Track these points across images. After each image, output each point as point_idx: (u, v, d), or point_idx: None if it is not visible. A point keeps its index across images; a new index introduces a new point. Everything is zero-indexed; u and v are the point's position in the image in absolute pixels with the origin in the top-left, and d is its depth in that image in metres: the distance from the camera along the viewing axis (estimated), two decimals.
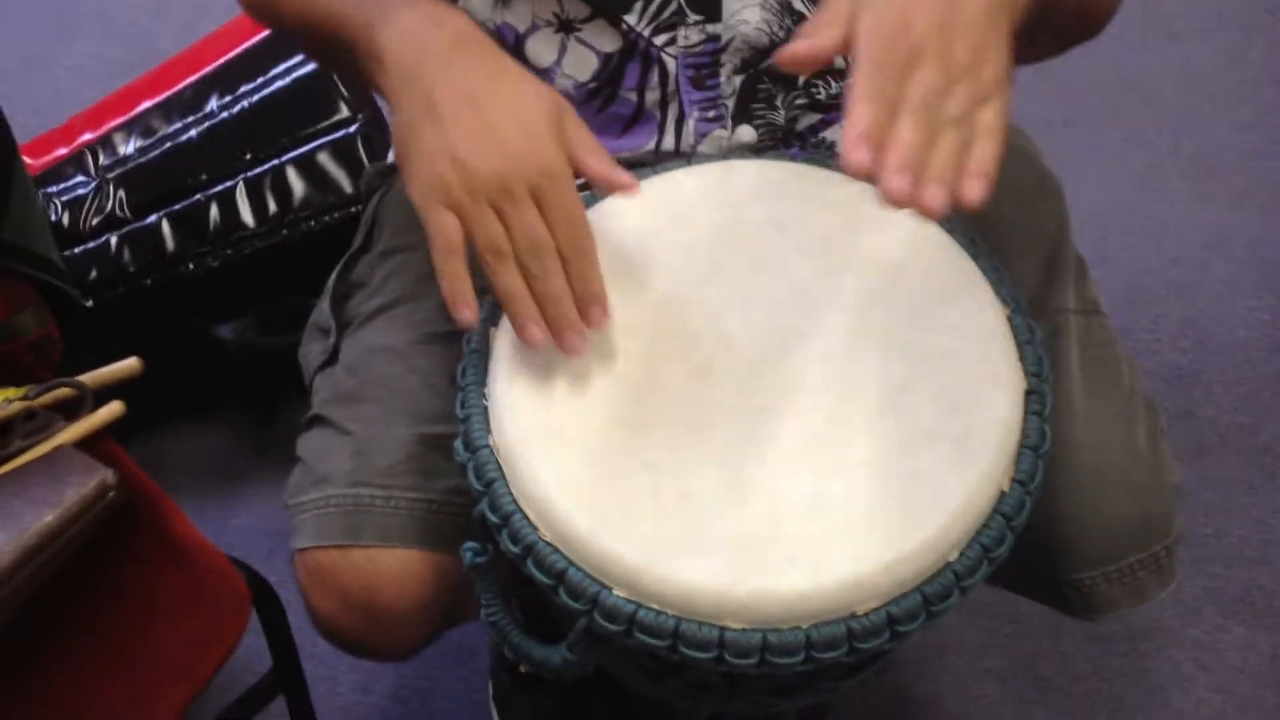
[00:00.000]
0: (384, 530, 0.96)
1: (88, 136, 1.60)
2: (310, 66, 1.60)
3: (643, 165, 1.02)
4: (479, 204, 0.82)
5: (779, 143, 1.06)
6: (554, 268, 0.83)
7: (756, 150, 1.05)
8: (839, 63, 1.03)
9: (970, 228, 0.92)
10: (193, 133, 1.58)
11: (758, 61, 1.02)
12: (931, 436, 0.83)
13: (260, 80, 1.60)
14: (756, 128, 1.05)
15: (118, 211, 1.55)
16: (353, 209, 1.54)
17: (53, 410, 1.06)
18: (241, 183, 1.56)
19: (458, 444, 0.86)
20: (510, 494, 0.82)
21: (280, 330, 1.73)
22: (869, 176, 0.70)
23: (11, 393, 1.06)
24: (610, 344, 0.88)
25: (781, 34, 1.01)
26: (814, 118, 1.06)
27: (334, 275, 1.13)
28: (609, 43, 1.02)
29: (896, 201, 0.69)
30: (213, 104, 1.59)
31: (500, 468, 0.83)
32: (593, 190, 0.96)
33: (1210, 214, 2.01)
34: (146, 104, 1.61)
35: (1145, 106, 2.18)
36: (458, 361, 0.91)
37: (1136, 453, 0.99)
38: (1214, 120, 2.15)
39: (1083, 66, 1.90)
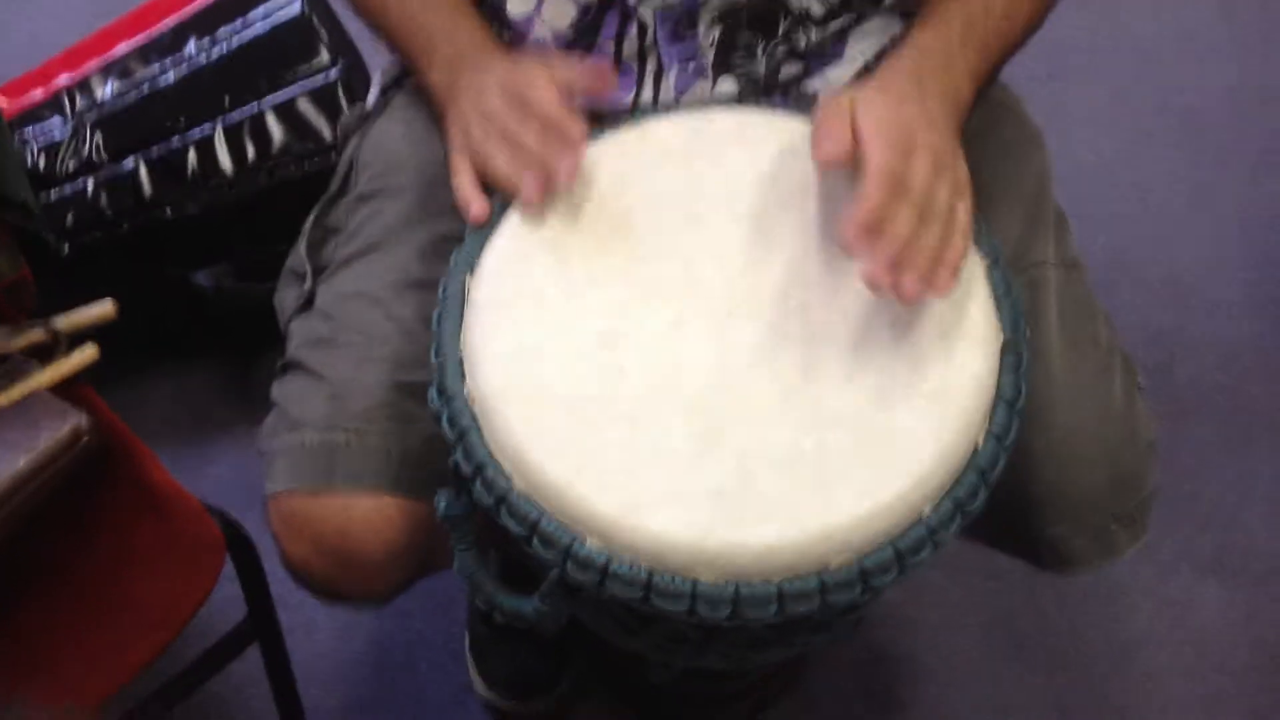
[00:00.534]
0: (357, 473, 0.96)
1: (64, 79, 1.58)
2: (291, 11, 1.58)
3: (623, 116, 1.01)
4: (486, 136, 0.95)
5: (761, 94, 1.05)
6: (529, 133, 0.92)
7: (739, 101, 1.04)
8: (816, 11, 1.02)
9: None
10: (171, 76, 1.56)
11: (736, 12, 1.02)
12: (907, 390, 0.83)
13: (240, 24, 1.58)
14: (738, 79, 1.04)
15: (94, 156, 1.53)
16: (332, 155, 1.53)
17: (26, 354, 1.05)
18: (220, 128, 1.54)
19: (432, 391, 0.86)
20: (484, 443, 0.82)
21: (258, 278, 1.71)
22: (860, 257, 0.82)
23: None
24: (588, 293, 0.88)
25: None
26: (796, 67, 1.05)
27: (310, 220, 1.12)
28: None
29: (873, 287, 0.82)
30: (191, 47, 1.57)
31: (474, 416, 0.83)
32: None
33: (1196, 172, 2.01)
34: (124, 47, 1.59)
35: (1133, 63, 2.17)
36: (434, 309, 0.90)
37: (1112, 408, 0.99)
38: (1202, 79, 2.15)
39: (1071, 23, 1.90)
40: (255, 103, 1.55)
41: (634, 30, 1.02)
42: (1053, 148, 1.11)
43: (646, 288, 0.88)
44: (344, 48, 1.58)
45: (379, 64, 1.19)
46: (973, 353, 0.84)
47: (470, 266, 0.90)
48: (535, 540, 0.79)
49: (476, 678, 1.44)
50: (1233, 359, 1.77)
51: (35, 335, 1.05)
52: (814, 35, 1.04)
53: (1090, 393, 0.99)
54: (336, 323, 1.02)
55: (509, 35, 1.06)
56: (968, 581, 1.55)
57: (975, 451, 0.82)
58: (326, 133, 1.55)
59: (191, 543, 1.07)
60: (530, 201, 0.91)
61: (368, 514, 0.96)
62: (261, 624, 1.25)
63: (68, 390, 1.03)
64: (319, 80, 1.56)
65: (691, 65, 1.03)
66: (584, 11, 1.02)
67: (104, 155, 1.53)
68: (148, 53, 1.58)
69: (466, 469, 0.82)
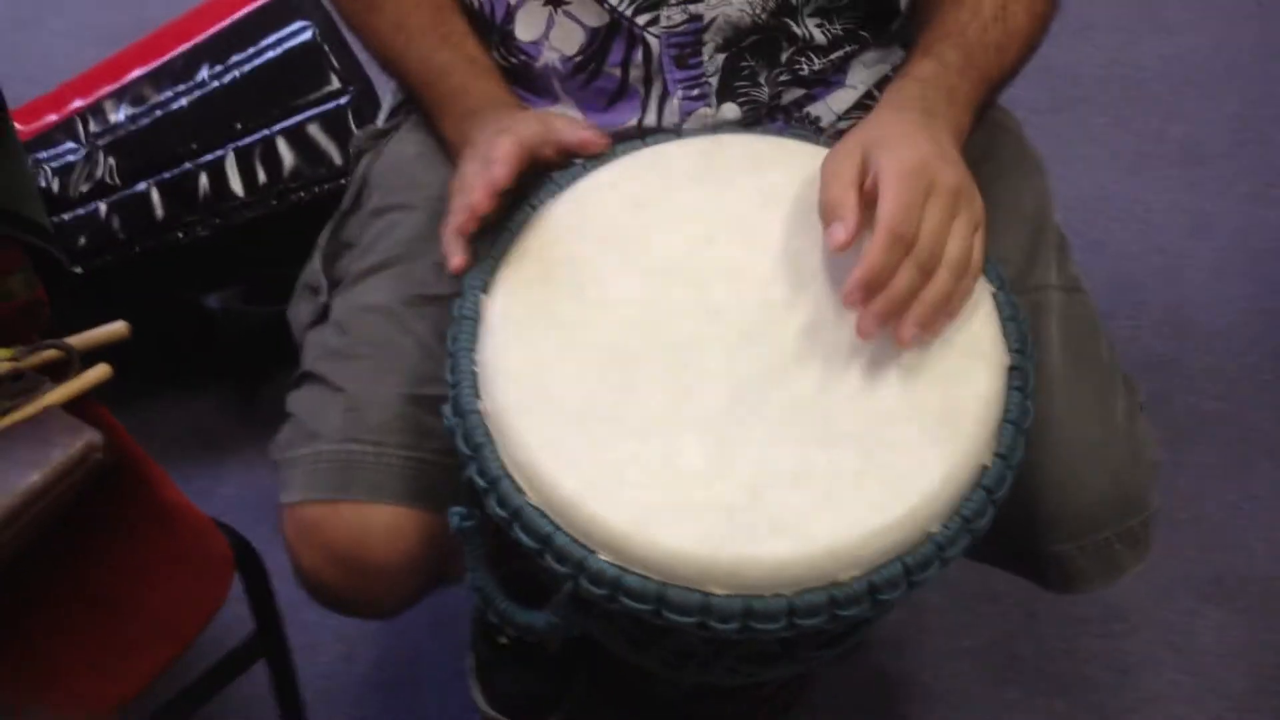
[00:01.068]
0: (374, 486, 0.97)
1: (78, 103, 1.60)
2: (302, 38, 1.60)
3: (630, 139, 1.03)
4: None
5: (764, 117, 1.07)
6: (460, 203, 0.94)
7: (743, 125, 1.06)
8: (819, 39, 1.04)
9: None
10: (183, 101, 1.58)
11: (740, 40, 1.03)
12: (916, 409, 0.84)
13: (251, 50, 1.60)
14: (741, 105, 1.05)
15: (107, 179, 1.55)
16: (342, 180, 1.54)
17: (40, 372, 1.06)
18: (231, 152, 1.56)
19: (446, 408, 0.87)
20: (498, 458, 0.83)
21: (268, 301, 1.72)
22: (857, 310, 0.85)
23: None
24: (601, 311, 0.89)
25: (764, 15, 1.02)
26: (798, 92, 1.07)
27: (324, 234, 1.13)
28: (595, 18, 1.03)
29: (863, 336, 0.86)
30: (204, 73, 1.59)
31: (489, 432, 0.84)
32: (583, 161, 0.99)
33: (1196, 201, 2.02)
34: (137, 72, 1.61)
35: (1133, 94, 2.19)
36: (449, 324, 0.91)
37: (1114, 428, 1.01)
38: (1201, 109, 2.16)
39: (1073, 54, 1.93)
40: (266, 128, 1.57)
41: (640, 55, 1.04)
42: (1054, 177, 1.12)
43: (659, 307, 0.90)
44: (354, 74, 1.59)
45: (389, 85, 1.21)
46: (981, 374, 0.86)
47: (484, 284, 0.91)
48: (548, 554, 0.80)
49: (480, 697, 1.44)
50: (1231, 387, 1.78)
51: (49, 354, 1.06)
52: (816, 63, 1.06)
53: (1093, 412, 1.00)
54: (352, 336, 1.03)
55: (519, 60, 1.07)
56: (967, 604, 1.56)
57: (983, 471, 0.83)
58: (336, 158, 1.56)
59: (201, 558, 1.08)
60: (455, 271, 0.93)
61: (383, 525, 0.97)
62: (269, 640, 1.26)
63: (81, 408, 1.03)
64: (329, 106, 1.58)
65: (696, 90, 1.05)
66: (591, 36, 1.04)
67: (116, 178, 1.55)
68: (160, 78, 1.60)
69: (481, 484, 0.83)
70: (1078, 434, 0.98)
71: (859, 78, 1.08)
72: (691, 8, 1.01)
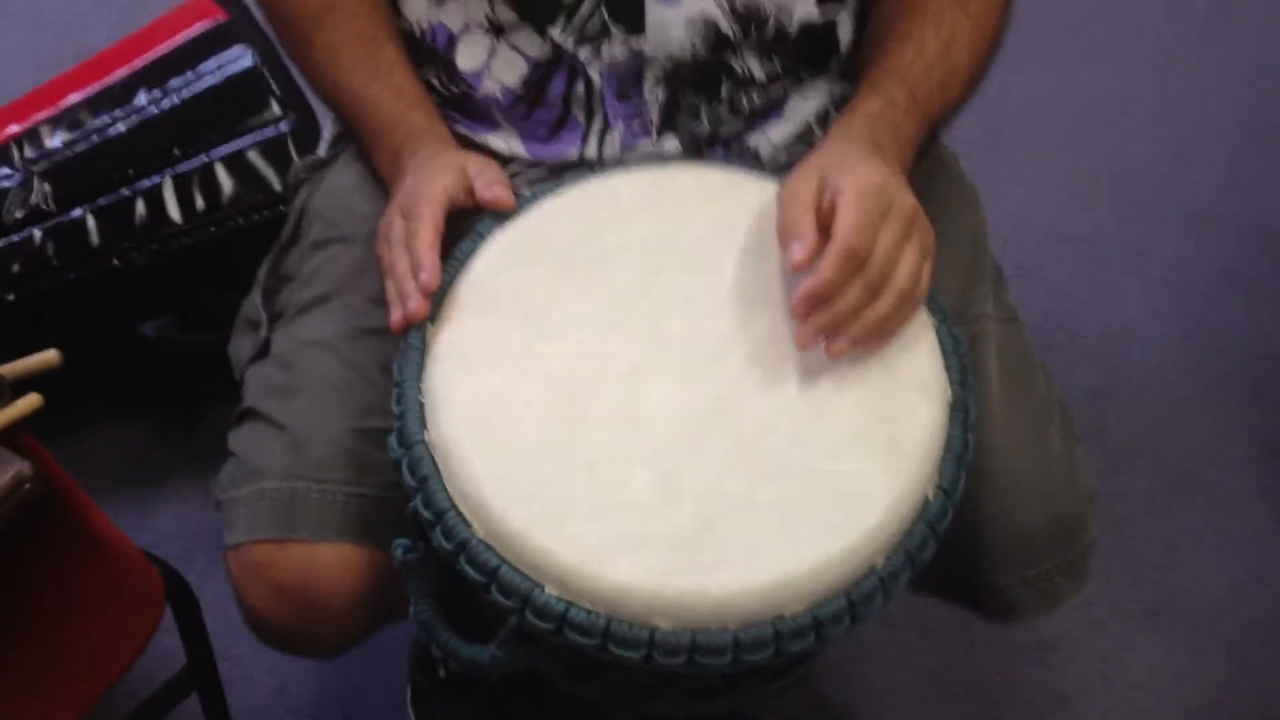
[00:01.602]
0: (320, 524, 0.96)
1: (13, 129, 1.57)
2: (242, 64, 1.58)
3: (577, 168, 1.03)
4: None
5: (704, 149, 1.07)
6: (398, 268, 0.94)
7: (684, 157, 1.06)
8: (758, 74, 1.05)
9: None
10: (121, 127, 1.56)
11: (681, 75, 1.04)
12: (861, 443, 0.84)
13: (191, 75, 1.58)
14: (681, 137, 1.06)
15: (43, 205, 1.52)
16: (282, 207, 1.53)
17: None
18: (169, 178, 1.54)
19: (392, 439, 0.86)
20: (444, 490, 0.83)
21: (204, 329, 1.71)
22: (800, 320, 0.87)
23: None
24: (550, 342, 0.89)
25: (704, 51, 1.02)
26: (738, 124, 1.07)
27: (264, 268, 1.12)
28: (537, 49, 1.03)
29: (799, 346, 0.87)
30: (142, 98, 1.57)
31: (435, 464, 0.84)
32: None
33: (1129, 234, 2.05)
34: (75, 97, 1.58)
35: (1068, 128, 2.21)
36: (392, 355, 0.91)
37: (1052, 458, 1.02)
38: (1135, 144, 2.19)
39: (1009, 86, 1.94)
40: (205, 154, 1.55)
41: (581, 88, 1.04)
42: (990, 208, 1.13)
43: (608, 338, 0.90)
44: (295, 101, 1.58)
45: (331, 114, 1.20)
46: (924, 408, 0.86)
47: (432, 315, 0.91)
48: (494, 588, 0.80)
49: None
50: (1164, 419, 1.81)
51: None
52: (756, 97, 1.06)
53: (1030, 442, 1.01)
54: (294, 370, 1.02)
55: (459, 89, 1.07)
56: (903, 635, 1.57)
57: (925, 504, 0.84)
58: (276, 184, 1.55)
59: (132, 590, 1.07)
60: (395, 330, 0.93)
61: (330, 562, 0.96)
62: (201, 673, 1.24)
63: (10, 438, 1.02)
64: (269, 132, 1.56)
65: (637, 123, 1.05)
66: (533, 68, 1.04)
67: (52, 205, 1.53)
68: (98, 103, 1.58)
69: (427, 516, 0.82)
70: (1016, 465, 0.99)
71: (797, 110, 1.09)
72: (633, 42, 1.02)
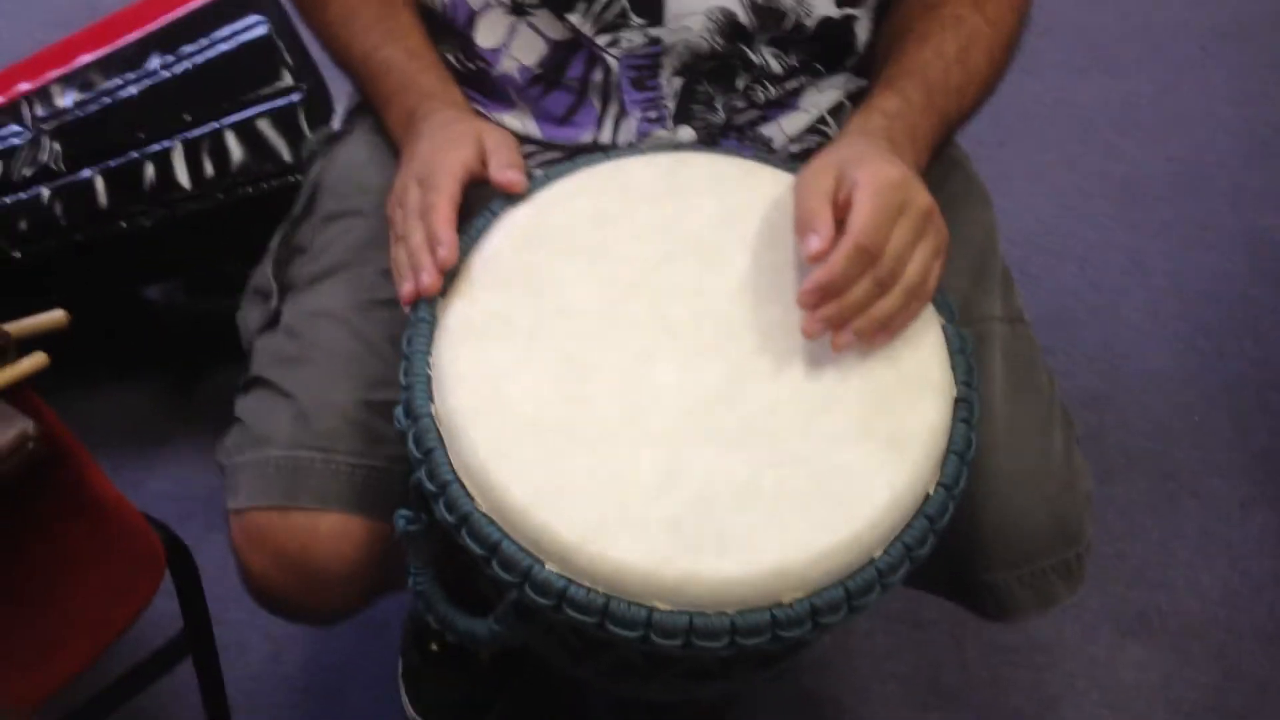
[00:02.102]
0: (323, 493, 0.96)
1: (25, 87, 1.57)
2: (256, 32, 1.59)
3: (590, 152, 1.03)
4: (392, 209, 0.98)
5: (717, 136, 1.07)
6: (413, 239, 0.93)
7: (692, 147, 1.06)
8: (775, 68, 1.05)
9: None
10: (132, 90, 1.56)
11: (698, 66, 1.04)
12: (864, 435, 0.85)
13: (204, 42, 1.58)
14: (696, 127, 1.06)
15: (52, 164, 1.52)
16: (290, 178, 1.53)
17: None
18: (179, 144, 1.54)
19: (399, 411, 0.86)
20: (449, 463, 0.83)
21: (208, 295, 1.71)
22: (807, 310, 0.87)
23: None
24: (558, 322, 0.89)
25: (722, 41, 1.02)
26: (753, 114, 1.07)
27: (276, 239, 1.12)
28: (557, 32, 1.03)
29: (806, 335, 0.87)
30: (154, 62, 1.57)
31: (440, 436, 0.84)
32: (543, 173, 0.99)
33: (1133, 241, 2.05)
34: (87, 58, 1.59)
35: (1077, 132, 2.22)
36: (401, 327, 0.91)
37: (1052, 459, 1.02)
38: (1143, 150, 2.20)
39: (1021, 90, 1.95)
40: (215, 121, 1.55)
41: (598, 74, 1.04)
42: (996, 210, 1.14)
43: (617, 320, 0.90)
44: (307, 71, 1.58)
45: (343, 88, 1.20)
46: (928, 404, 0.87)
47: (442, 289, 0.91)
48: (495, 562, 0.80)
49: (408, 705, 1.44)
50: (1161, 426, 1.81)
51: None
52: (772, 89, 1.06)
53: (1032, 442, 1.01)
54: (303, 341, 1.03)
55: (476, 65, 1.07)
56: (895, 629, 1.57)
57: (926, 499, 0.84)
58: (285, 155, 1.55)
59: (131, 553, 1.07)
60: (404, 303, 0.92)
61: (331, 531, 0.96)
62: (197, 638, 1.25)
63: (15, 396, 1.02)
64: (280, 102, 1.57)
65: (653, 112, 1.05)
66: (553, 49, 1.04)
67: (61, 164, 1.53)
68: (110, 65, 1.58)
69: (430, 488, 0.83)
70: (1017, 464, 1.00)
71: (812, 102, 1.09)
72: (652, 31, 1.02)
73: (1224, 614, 1.61)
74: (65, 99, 1.56)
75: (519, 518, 0.80)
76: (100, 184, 1.53)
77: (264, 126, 1.56)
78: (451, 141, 0.97)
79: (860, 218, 0.86)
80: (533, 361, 0.87)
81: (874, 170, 0.88)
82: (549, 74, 1.05)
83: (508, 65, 1.05)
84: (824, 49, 1.07)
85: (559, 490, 0.81)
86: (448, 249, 0.90)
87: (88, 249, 1.53)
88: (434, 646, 1.39)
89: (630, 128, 1.06)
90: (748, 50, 1.04)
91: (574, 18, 1.02)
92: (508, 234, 0.94)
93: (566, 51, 1.04)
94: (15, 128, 1.55)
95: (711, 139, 1.07)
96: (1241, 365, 1.89)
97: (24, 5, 2.32)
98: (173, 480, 1.62)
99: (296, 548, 0.97)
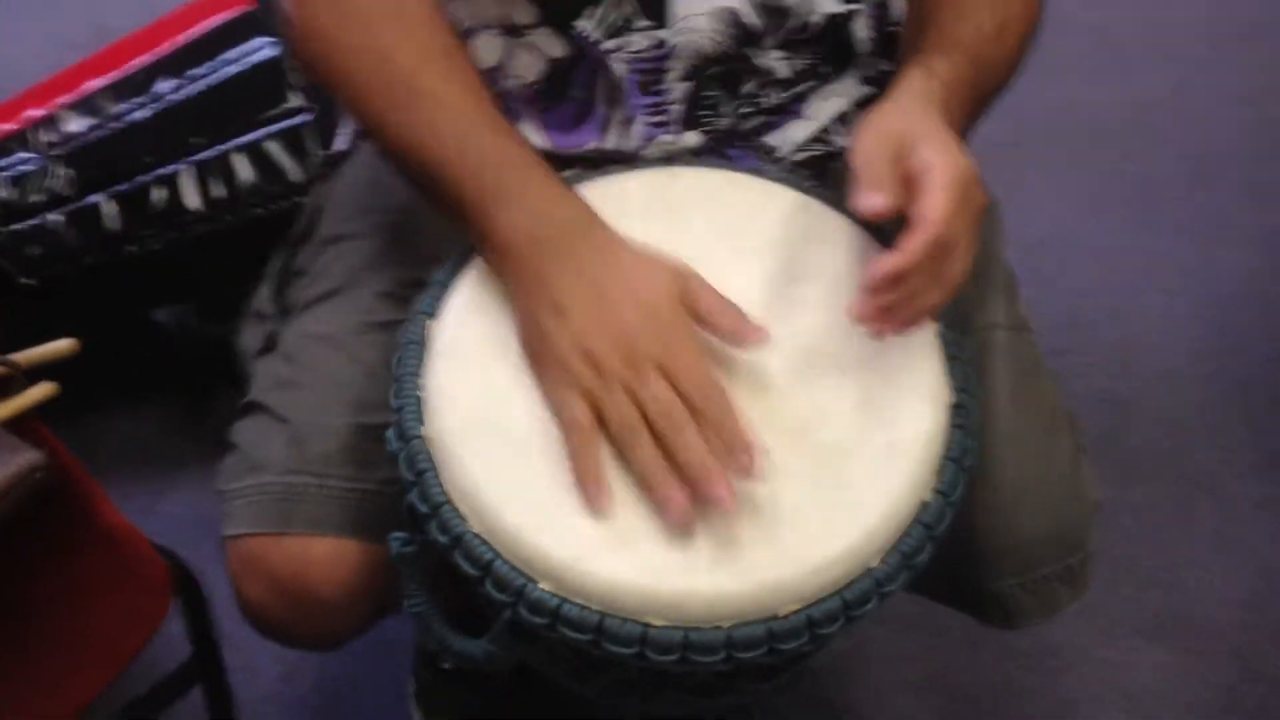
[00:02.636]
0: (317, 519, 0.96)
1: (35, 113, 1.58)
2: (263, 55, 1.59)
3: (587, 163, 1.03)
4: (610, 387, 0.83)
5: (722, 143, 1.07)
6: (690, 434, 0.82)
7: (698, 153, 1.06)
8: (782, 72, 1.05)
9: None
10: (141, 114, 1.57)
11: (704, 69, 1.04)
12: (858, 445, 0.84)
13: (212, 65, 1.59)
14: (702, 133, 1.06)
15: (62, 190, 1.53)
16: (299, 199, 1.54)
17: None
18: (189, 167, 1.55)
19: (390, 433, 0.87)
20: (440, 485, 0.83)
21: (219, 319, 1.71)
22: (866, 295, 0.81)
23: None
24: None
25: (727, 43, 1.02)
26: (758, 120, 1.07)
27: (275, 262, 1.13)
28: (557, 48, 1.03)
29: (859, 321, 0.82)
30: (163, 86, 1.58)
31: (432, 458, 0.84)
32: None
33: (1148, 242, 2.04)
34: (96, 83, 1.59)
35: (1091, 133, 2.21)
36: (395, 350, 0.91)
37: (1057, 466, 1.02)
38: (1157, 150, 2.19)
39: (1033, 91, 1.93)
40: (224, 143, 1.56)
41: (604, 80, 1.04)
42: (1010, 214, 1.13)
43: None
44: (315, 94, 1.59)
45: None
46: (924, 411, 0.86)
47: (432, 312, 0.91)
48: (488, 582, 0.80)
49: None
50: (1178, 427, 1.80)
51: None
52: (776, 96, 1.06)
53: (1036, 451, 1.01)
54: (299, 365, 1.03)
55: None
56: (910, 636, 1.56)
57: (923, 507, 0.84)
58: (294, 175, 1.56)
59: (139, 581, 1.07)
60: (678, 520, 0.80)
61: (326, 557, 0.96)
62: (206, 664, 1.25)
63: (22, 426, 1.02)
64: (289, 123, 1.57)
65: (659, 117, 1.05)
66: (553, 65, 1.04)
67: (72, 190, 1.54)
68: (119, 90, 1.59)
69: (423, 509, 0.83)
70: (1021, 472, 0.99)
71: (816, 110, 1.09)
72: (657, 33, 1.02)
73: (1240, 615, 1.60)
74: (75, 125, 1.57)
75: (511, 537, 0.80)
76: (110, 208, 1.54)
77: (273, 148, 1.57)
78: (651, 274, 0.87)
79: (941, 209, 0.81)
80: (523, 382, 0.87)
81: (949, 157, 0.83)
82: (554, 88, 1.05)
83: (508, 84, 1.05)
84: (829, 49, 1.07)
85: (551, 509, 0.81)
86: (751, 454, 0.82)
87: (98, 273, 1.54)
88: (446, 664, 1.39)
89: (636, 134, 1.05)
90: (754, 52, 1.04)
91: (581, 24, 1.01)
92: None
93: (568, 66, 1.04)
94: (25, 154, 1.56)
95: (717, 145, 1.07)
96: (1258, 365, 1.88)
97: (33, 29, 2.33)
98: (185, 504, 1.63)
99: (291, 573, 0.97)
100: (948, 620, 1.11)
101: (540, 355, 0.86)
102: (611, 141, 1.06)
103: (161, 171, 1.55)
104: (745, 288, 0.92)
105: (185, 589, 1.13)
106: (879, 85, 1.06)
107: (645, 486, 0.81)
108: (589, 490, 0.81)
